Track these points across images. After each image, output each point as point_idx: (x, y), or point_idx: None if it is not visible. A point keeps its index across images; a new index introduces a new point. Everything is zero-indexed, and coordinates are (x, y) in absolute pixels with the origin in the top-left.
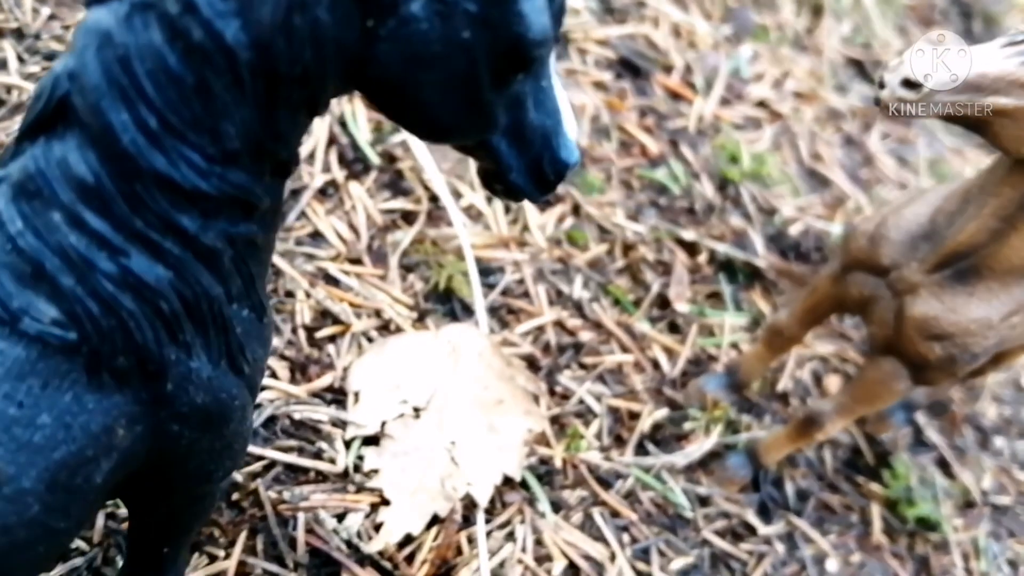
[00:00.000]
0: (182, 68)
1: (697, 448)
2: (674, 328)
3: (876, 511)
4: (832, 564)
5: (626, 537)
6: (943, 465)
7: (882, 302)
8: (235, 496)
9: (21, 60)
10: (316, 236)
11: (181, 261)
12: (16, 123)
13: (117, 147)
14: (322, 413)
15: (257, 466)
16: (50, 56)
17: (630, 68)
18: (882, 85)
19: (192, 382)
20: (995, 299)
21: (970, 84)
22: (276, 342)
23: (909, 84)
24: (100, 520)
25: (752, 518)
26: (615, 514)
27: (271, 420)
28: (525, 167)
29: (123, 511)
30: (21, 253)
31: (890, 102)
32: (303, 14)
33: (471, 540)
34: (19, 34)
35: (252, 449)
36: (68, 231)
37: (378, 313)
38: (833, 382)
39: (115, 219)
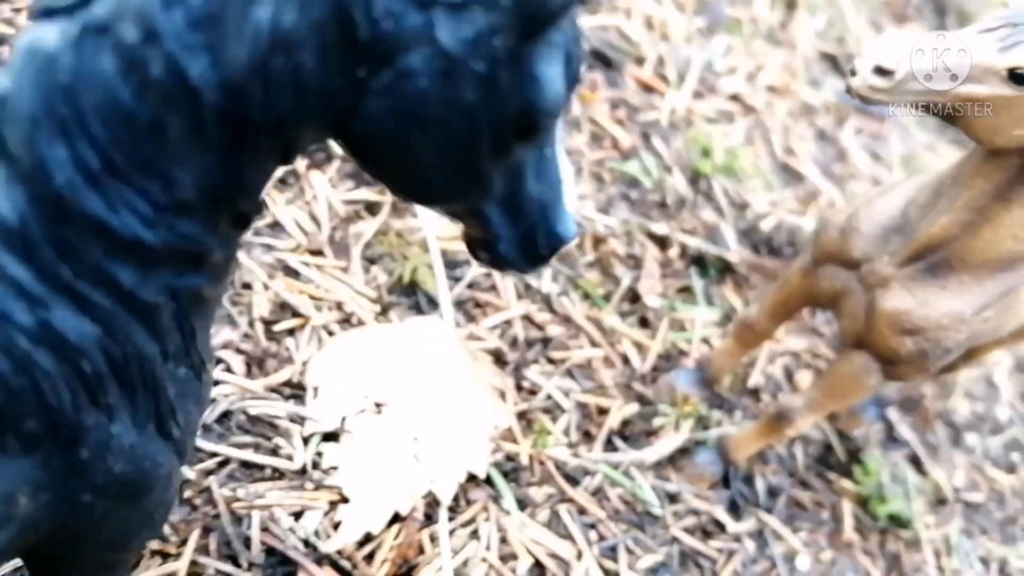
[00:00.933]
0: (135, 104)
1: (666, 444)
2: (644, 323)
3: (847, 508)
4: (803, 561)
5: (593, 535)
6: (915, 462)
7: (853, 296)
8: (187, 494)
9: None
10: (275, 227)
11: (111, 316)
12: None
13: (49, 186)
14: (279, 408)
15: (211, 463)
16: None
17: (602, 59)
18: (854, 73)
19: (111, 449)
20: (967, 293)
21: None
22: (232, 335)
23: (881, 71)
24: None
25: (722, 515)
26: (582, 511)
27: (226, 415)
28: (517, 239)
29: None
30: None
31: (862, 90)
32: (285, 56)
33: (433, 538)
34: None
35: (206, 445)
36: None
37: (340, 306)
38: (804, 378)
39: (39, 267)
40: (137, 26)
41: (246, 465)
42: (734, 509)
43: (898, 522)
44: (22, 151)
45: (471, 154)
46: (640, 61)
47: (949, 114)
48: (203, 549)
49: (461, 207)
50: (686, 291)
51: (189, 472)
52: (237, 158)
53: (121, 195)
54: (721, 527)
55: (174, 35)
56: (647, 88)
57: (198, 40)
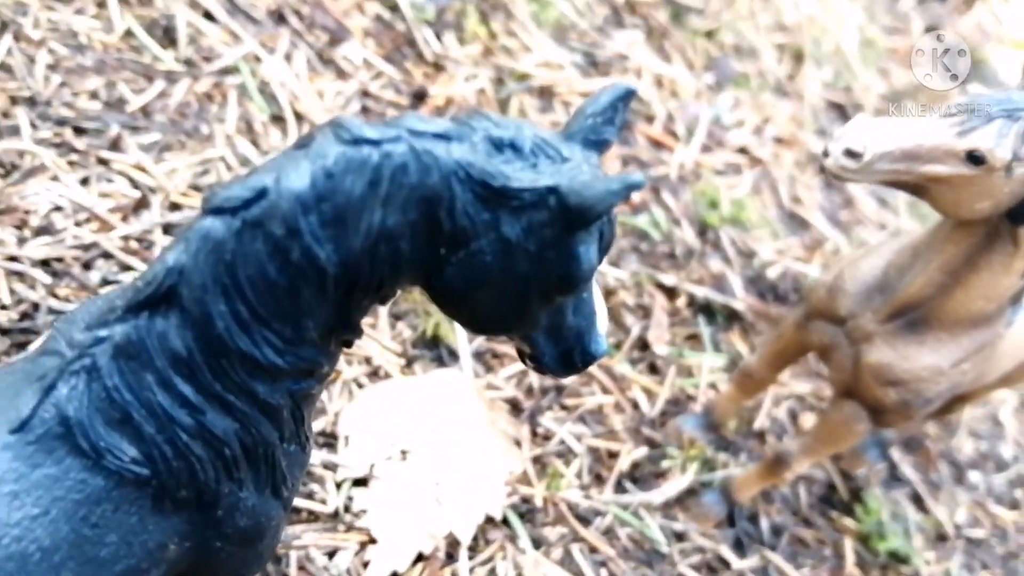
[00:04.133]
0: (278, 276)
1: (674, 486)
2: (653, 369)
3: (849, 545)
4: None
5: (604, 572)
6: (917, 500)
7: (841, 349)
8: None
9: (34, 126)
10: None
11: (248, 416)
12: (29, 186)
13: (212, 332)
14: (314, 456)
15: None
16: (61, 122)
17: None
18: (827, 154)
19: (239, 510)
20: (944, 348)
21: (907, 153)
22: None
23: (851, 154)
24: None
25: (727, 552)
26: (593, 550)
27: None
28: (557, 355)
29: None
30: (113, 403)
31: (834, 170)
32: (387, 244)
33: None
34: (32, 102)
35: None
36: (157, 390)
37: (368, 360)
38: (809, 420)
39: (198, 384)
40: (283, 225)
41: None
42: (739, 547)
43: (898, 558)
44: (193, 307)
45: (522, 305)
46: (650, 119)
47: (915, 190)
48: None
49: (515, 335)
50: (694, 338)
51: None
52: (347, 308)
53: (263, 335)
54: (726, 564)
55: (309, 232)
56: (657, 144)
57: (326, 234)
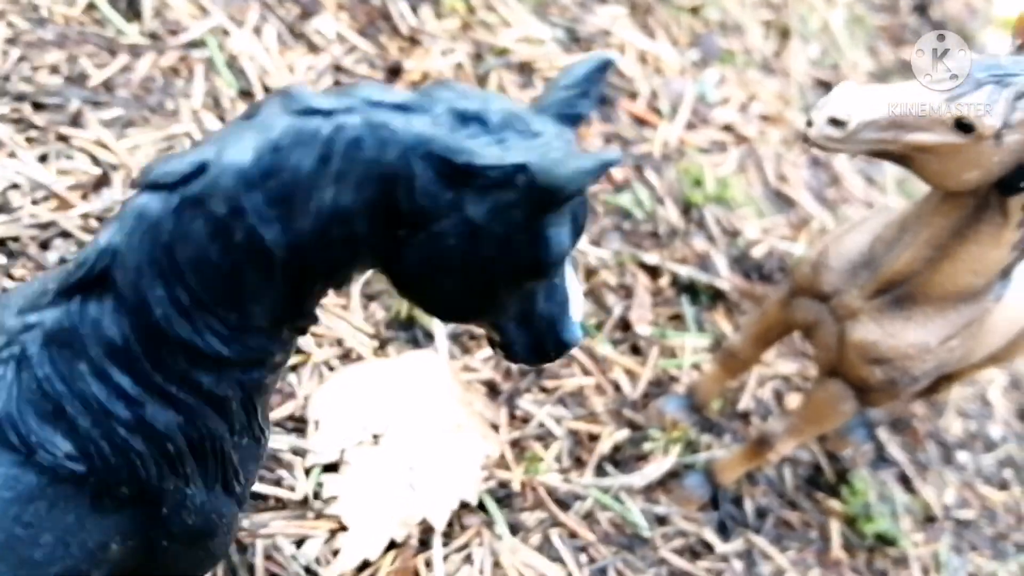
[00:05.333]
0: (220, 259)
1: (656, 468)
2: (636, 350)
3: (835, 527)
4: None
5: (584, 557)
6: (904, 481)
7: (825, 327)
8: None
9: None
10: None
11: (192, 409)
12: None
13: (150, 319)
14: (282, 441)
15: None
16: (20, 97)
17: None
18: (810, 123)
19: (186, 507)
20: (931, 324)
21: (893, 121)
22: None
23: (835, 122)
24: None
25: (710, 536)
26: (573, 535)
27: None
28: (529, 344)
29: None
30: (45, 394)
31: (817, 139)
32: (340, 226)
33: (428, 564)
34: None
35: None
36: (91, 381)
37: (339, 342)
38: (794, 401)
39: (137, 375)
40: (225, 203)
41: (251, 496)
42: (723, 530)
43: (885, 540)
44: (129, 292)
45: (488, 291)
46: (633, 96)
47: (900, 160)
48: None
49: (482, 323)
50: (677, 319)
51: None
52: (298, 294)
53: (206, 322)
54: (710, 548)
55: (254, 211)
56: (640, 121)
57: (272, 215)
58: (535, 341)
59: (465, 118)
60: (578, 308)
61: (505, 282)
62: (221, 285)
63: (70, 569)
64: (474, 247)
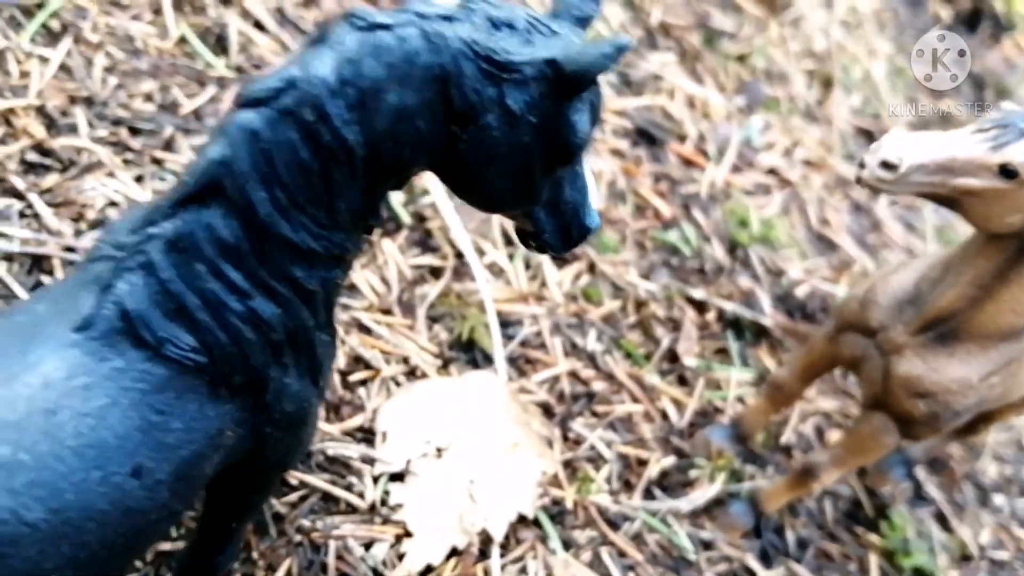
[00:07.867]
0: (311, 160)
1: (701, 495)
2: (682, 381)
3: (874, 560)
4: None
5: None
6: (941, 519)
7: (871, 361)
8: (272, 522)
9: (91, 125)
10: (351, 288)
11: (289, 302)
12: (86, 181)
13: (256, 218)
14: (353, 450)
15: (294, 496)
16: (117, 122)
17: (646, 137)
18: (862, 165)
19: (285, 394)
20: (974, 360)
21: (941, 166)
22: None
23: (887, 165)
24: None
25: (753, 563)
26: (622, 554)
27: (307, 455)
28: (557, 230)
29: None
30: (169, 294)
31: (870, 181)
32: (407, 124)
33: (487, 572)
34: (89, 102)
35: (290, 479)
36: (208, 279)
37: (406, 360)
38: (835, 436)
39: (246, 270)
40: (313, 111)
41: (324, 499)
42: (765, 558)
43: (923, 575)
44: (237, 196)
45: (528, 176)
46: (682, 138)
47: (948, 203)
48: (286, 574)
49: (519, 211)
50: (722, 352)
51: (278, 506)
52: (373, 192)
53: (300, 220)
54: (752, 574)
55: (338, 115)
56: (688, 163)
57: (352, 118)
58: (562, 227)
59: (498, 24)
60: (595, 196)
61: (541, 167)
62: (313, 185)
63: (195, 453)
64: (515, 136)
